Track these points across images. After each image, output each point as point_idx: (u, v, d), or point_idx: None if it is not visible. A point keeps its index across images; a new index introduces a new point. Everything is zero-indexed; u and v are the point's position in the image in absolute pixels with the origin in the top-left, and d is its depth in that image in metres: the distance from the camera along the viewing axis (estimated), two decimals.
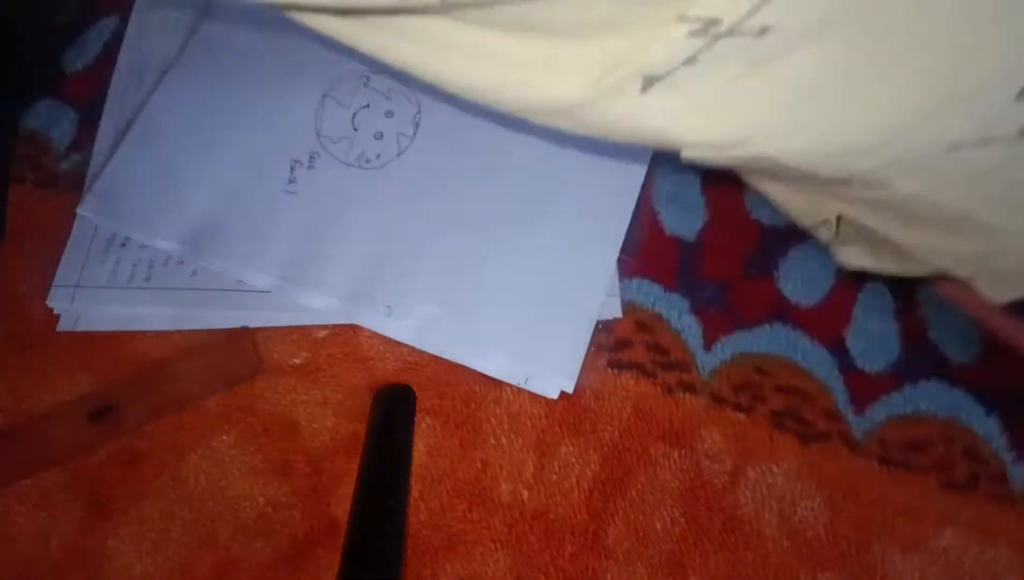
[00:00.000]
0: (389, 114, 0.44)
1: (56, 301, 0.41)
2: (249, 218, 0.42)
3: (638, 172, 0.43)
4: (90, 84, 0.47)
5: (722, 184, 0.44)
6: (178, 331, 0.41)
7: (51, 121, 0.47)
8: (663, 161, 0.45)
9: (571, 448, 0.39)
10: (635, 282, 0.42)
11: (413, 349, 0.41)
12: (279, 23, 0.44)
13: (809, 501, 0.37)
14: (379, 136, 0.44)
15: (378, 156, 0.43)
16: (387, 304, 0.40)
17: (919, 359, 0.40)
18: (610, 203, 0.42)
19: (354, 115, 0.44)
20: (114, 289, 0.41)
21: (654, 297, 0.42)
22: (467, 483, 0.38)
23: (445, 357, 0.40)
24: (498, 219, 0.42)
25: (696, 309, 0.41)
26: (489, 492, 0.38)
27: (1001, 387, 0.39)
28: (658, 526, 0.37)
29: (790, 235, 0.43)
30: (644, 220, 0.43)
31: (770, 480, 0.38)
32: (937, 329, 0.41)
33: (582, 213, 0.42)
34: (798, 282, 0.42)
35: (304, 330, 0.41)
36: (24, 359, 0.41)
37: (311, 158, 0.43)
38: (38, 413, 0.40)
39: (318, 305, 0.40)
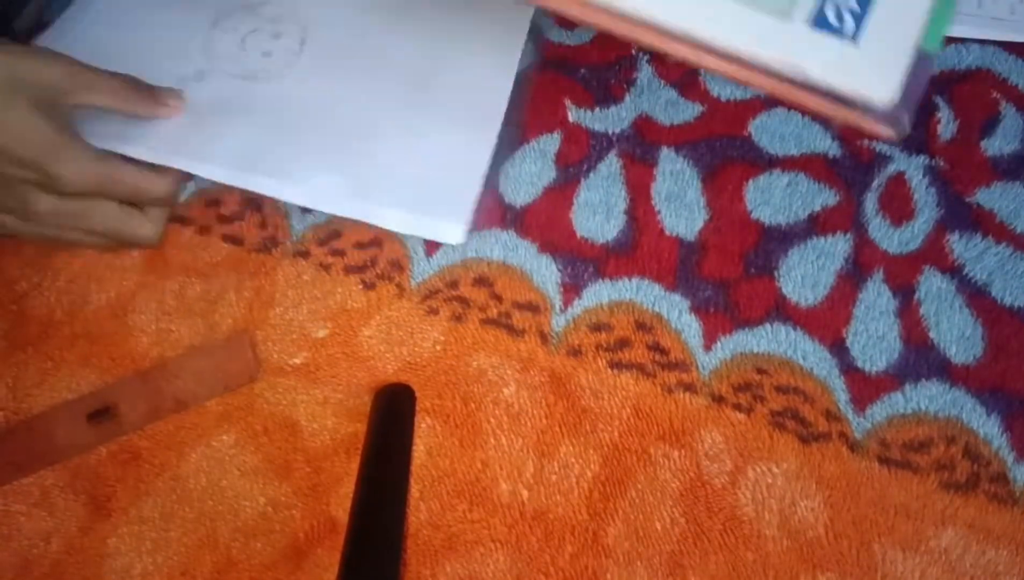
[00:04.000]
0: (276, 35, 0.47)
1: None
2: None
3: (510, 61, 0.46)
4: None
5: (722, 183, 0.44)
6: (178, 331, 0.41)
7: None
8: (663, 160, 0.45)
9: (571, 448, 0.39)
10: (635, 282, 0.42)
11: (413, 349, 0.41)
12: None
13: (809, 501, 0.37)
14: (268, 54, 0.46)
15: (266, 71, 0.46)
16: (283, 170, 0.41)
17: (919, 359, 0.40)
18: (489, 78, 0.45)
19: (243, 39, 0.47)
20: None
21: (654, 297, 0.42)
22: (467, 483, 0.38)
23: (341, 214, 0.40)
24: (387, 104, 0.45)
25: (696, 309, 0.41)
26: (489, 492, 0.38)
27: (1002, 387, 0.39)
28: (658, 526, 0.37)
29: (790, 235, 0.43)
30: (644, 220, 0.43)
31: (770, 480, 0.38)
32: (937, 329, 0.41)
33: (465, 84, 0.45)
34: (798, 282, 0.42)
35: (304, 330, 0.41)
36: (23, 357, 0.41)
37: (200, 73, 0.45)
38: (38, 412, 0.40)
39: (207, 173, 0.41)
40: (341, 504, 0.38)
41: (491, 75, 0.46)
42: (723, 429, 0.39)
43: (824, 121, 0.35)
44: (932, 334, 0.41)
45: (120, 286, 0.43)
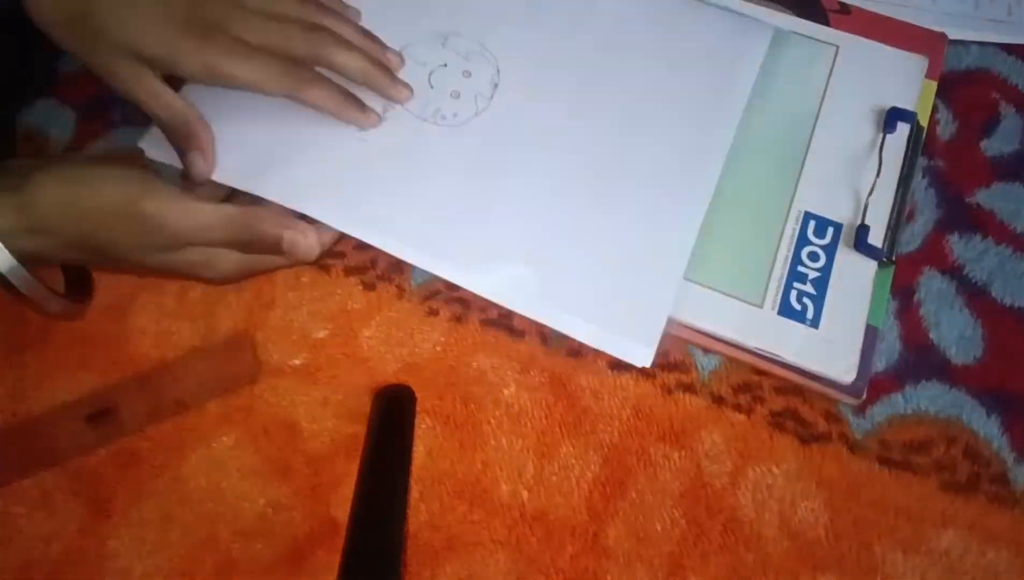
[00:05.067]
0: (467, 74, 0.43)
1: None
2: (319, 160, 0.40)
3: (730, 120, 0.42)
4: (88, 83, 0.47)
5: None
6: (178, 333, 0.41)
7: (50, 120, 0.47)
8: None
9: (571, 449, 0.39)
10: None
11: (413, 350, 0.41)
12: None
13: (809, 502, 0.37)
14: (456, 95, 0.43)
15: (455, 115, 0.42)
16: (468, 254, 0.39)
17: (919, 359, 0.40)
18: (698, 156, 0.42)
19: (431, 73, 0.43)
20: None
21: None
22: (467, 484, 0.38)
23: (525, 314, 0.38)
24: (579, 179, 0.41)
25: None
26: (489, 493, 0.38)
27: (1002, 387, 0.39)
28: (658, 527, 0.37)
29: None
30: None
31: (770, 481, 0.38)
32: (937, 329, 0.41)
33: (666, 169, 0.41)
34: None
35: (304, 331, 0.41)
36: (23, 359, 0.41)
37: (384, 109, 0.42)
38: (38, 413, 0.40)
39: (390, 248, 0.38)
40: (341, 505, 0.38)
41: (699, 144, 0.42)
42: (723, 430, 0.39)
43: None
44: (932, 334, 0.41)
45: (120, 288, 0.43)
